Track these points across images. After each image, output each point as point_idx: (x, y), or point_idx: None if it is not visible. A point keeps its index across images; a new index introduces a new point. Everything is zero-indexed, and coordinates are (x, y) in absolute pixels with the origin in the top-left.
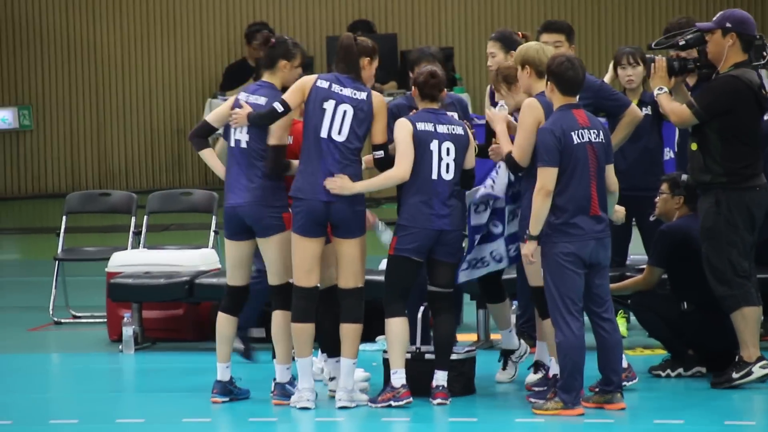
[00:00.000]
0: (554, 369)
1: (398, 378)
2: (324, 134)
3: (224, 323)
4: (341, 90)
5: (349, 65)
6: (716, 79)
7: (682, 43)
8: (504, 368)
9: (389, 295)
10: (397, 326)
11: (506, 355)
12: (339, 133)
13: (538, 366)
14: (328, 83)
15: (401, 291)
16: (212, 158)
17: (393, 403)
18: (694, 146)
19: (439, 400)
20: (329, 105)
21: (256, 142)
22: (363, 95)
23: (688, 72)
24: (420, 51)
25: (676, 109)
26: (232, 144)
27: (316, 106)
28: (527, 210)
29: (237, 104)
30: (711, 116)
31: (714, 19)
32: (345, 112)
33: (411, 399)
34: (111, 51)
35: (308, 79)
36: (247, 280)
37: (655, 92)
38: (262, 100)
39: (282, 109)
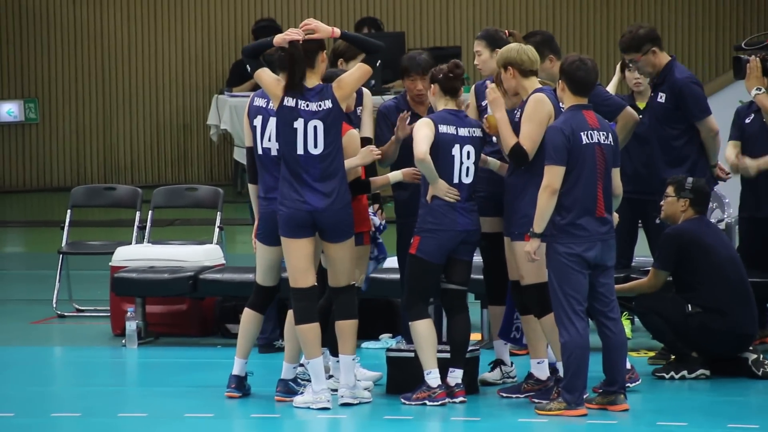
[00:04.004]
0: (544, 370)
1: (434, 378)
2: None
3: (250, 320)
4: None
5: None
6: None
7: None
8: (492, 371)
9: (412, 298)
10: (424, 328)
11: (499, 363)
12: (315, 146)
13: (496, 364)
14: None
15: (424, 293)
16: (256, 197)
17: (428, 403)
18: None
19: (460, 398)
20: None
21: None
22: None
23: None
24: (410, 59)
25: None
26: (260, 152)
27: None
28: (529, 207)
29: (253, 110)
30: None
31: None
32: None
33: (461, 399)
34: (118, 44)
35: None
36: (278, 281)
37: (753, 92)
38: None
39: None
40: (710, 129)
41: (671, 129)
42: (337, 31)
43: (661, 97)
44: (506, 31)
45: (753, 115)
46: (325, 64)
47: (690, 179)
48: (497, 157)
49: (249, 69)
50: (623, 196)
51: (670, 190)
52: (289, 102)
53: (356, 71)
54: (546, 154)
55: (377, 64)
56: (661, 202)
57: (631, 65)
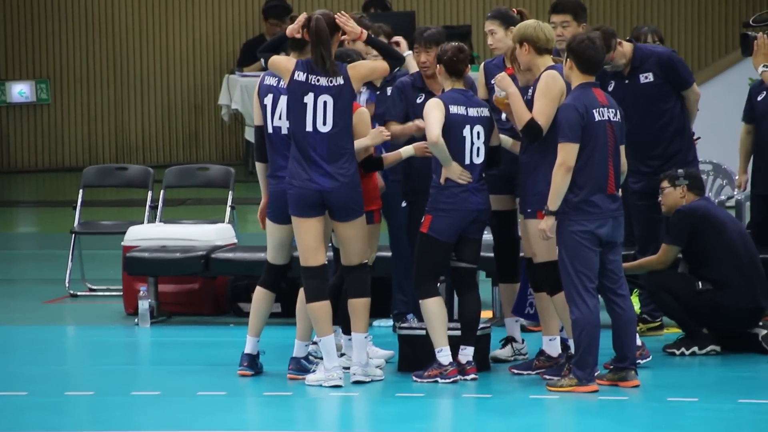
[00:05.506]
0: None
1: (445, 356)
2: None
3: (261, 298)
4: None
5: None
6: None
7: None
8: (503, 348)
9: (422, 276)
10: (434, 306)
11: (510, 341)
12: (324, 124)
13: (507, 341)
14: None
15: (434, 272)
16: (264, 175)
17: (440, 380)
18: None
19: (472, 376)
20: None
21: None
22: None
23: None
24: (417, 31)
25: None
26: (270, 131)
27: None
28: (542, 185)
29: (263, 88)
30: None
31: None
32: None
33: (473, 376)
34: (129, 25)
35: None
36: (289, 259)
37: (760, 69)
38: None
39: None
40: (697, 93)
41: (664, 103)
42: (365, 35)
43: (647, 77)
44: (514, 9)
45: (765, 92)
46: (337, 44)
47: (680, 170)
48: (509, 135)
49: (263, 63)
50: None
51: (664, 183)
52: (300, 76)
53: (375, 63)
54: (560, 131)
55: (394, 70)
56: (659, 198)
57: (607, 68)
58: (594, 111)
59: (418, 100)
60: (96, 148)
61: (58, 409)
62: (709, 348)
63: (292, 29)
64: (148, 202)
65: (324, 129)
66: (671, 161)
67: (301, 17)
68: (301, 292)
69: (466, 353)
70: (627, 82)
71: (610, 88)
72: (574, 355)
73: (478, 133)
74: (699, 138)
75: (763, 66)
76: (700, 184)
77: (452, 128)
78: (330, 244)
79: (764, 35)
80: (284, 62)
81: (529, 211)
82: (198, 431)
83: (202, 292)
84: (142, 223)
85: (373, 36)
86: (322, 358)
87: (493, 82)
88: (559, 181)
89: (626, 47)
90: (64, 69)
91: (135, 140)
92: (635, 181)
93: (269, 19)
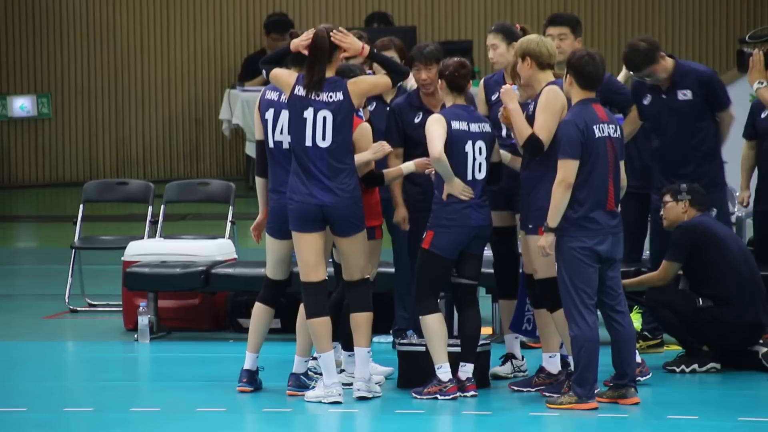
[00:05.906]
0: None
1: (444, 372)
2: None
3: (261, 314)
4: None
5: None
6: None
7: None
8: (503, 365)
9: (422, 292)
10: (434, 322)
11: (510, 357)
12: (323, 138)
13: (507, 358)
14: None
15: (435, 288)
16: (264, 190)
17: (439, 397)
18: None
19: (471, 392)
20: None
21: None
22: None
23: None
24: (416, 49)
25: None
26: (272, 145)
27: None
28: (543, 201)
29: (264, 103)
30: None
31: None
32: (324, 118)
33: (472, 393)
34: (130, 39)
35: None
36: (288, 275)
37: (755, 86)
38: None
39: None
40: (732, 116)
41: (699, 122)
42: (366, 50)
43: (685, 95)
44: (518, 25)
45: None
46: (338, 61)
47: (684, 185)
48: (509, 150)
49: (264, 74)
50: (633, 192)
51: (667, 197)
52: (300, 91)
53: (377, 78)
54: (560, 148)
55: (397, 84)
56: (661, 212)
57: (647, 80)
58: (594, 127)
59: (416, 120)
60: (96, 162)
61: (57, 425)
62: (709, 365)
63: (297, 44)
64: (149, 217)
65: (323, 144)
66: (698, 183)
67: (308, 33)
68: (302, 307)
69: (466, 370)
70: (664, 97)
71: (645, 102)
72: (574, 372)
73: (480, 148)
74: (726, 162)
75: (758, 82)
76: (702, 200)
77: (454, 144)
78: (330, 260)
79: (760, 52)
80: (286, 76)
81: (530, 227)
82: None
83: (202, 307)
84: (143, 238)
85: (375, 51)
86: (321, 374)
87: (494, 97)
88: (559, 198)
89: (668, 62)
90: (65, 83)
91: (135, 154)
92: (660, 199)
93: (271, 34)
